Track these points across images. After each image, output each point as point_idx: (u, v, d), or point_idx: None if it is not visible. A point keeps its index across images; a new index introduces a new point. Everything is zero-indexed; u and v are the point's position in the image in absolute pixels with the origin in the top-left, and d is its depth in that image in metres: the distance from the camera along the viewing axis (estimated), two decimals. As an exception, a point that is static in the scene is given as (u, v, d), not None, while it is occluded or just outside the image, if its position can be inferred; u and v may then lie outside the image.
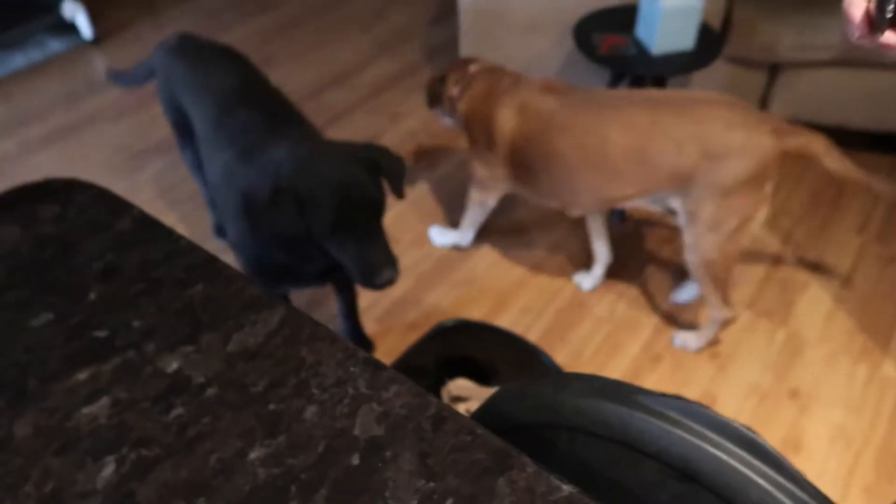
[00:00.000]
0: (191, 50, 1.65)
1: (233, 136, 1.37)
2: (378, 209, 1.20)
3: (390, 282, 1.18)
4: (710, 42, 1.96)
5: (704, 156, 1.43)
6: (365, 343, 1.82)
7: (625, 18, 2.03)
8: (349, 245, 1.17)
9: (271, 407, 0.60)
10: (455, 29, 3.14)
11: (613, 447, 0.60)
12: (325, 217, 1.15)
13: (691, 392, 1.73)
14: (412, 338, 1.85)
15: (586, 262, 2.06)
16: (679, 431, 0.57)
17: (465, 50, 2.33)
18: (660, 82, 2.10)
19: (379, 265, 1.16)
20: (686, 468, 0.57)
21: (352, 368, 0.62)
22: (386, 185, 1.25)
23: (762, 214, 1.54)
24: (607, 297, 1.96)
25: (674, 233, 2.14)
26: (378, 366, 0.62)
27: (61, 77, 2.89)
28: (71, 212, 0.78)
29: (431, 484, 0.53)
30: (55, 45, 3.07)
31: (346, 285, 1.67)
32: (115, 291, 0.70)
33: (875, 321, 1.88)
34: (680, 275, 2.00)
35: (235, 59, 1.63)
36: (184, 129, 1.72)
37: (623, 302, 1.95)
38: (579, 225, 2.18)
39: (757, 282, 1.99)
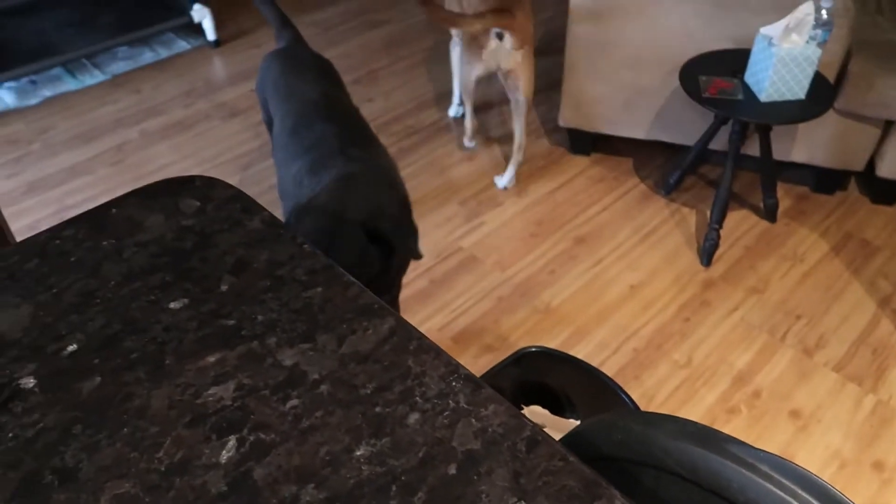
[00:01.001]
0: (290, 57, 1.72)
1: (306, 148, 1.42)
2: (403, 233, 1.28)
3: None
4: (823, 93, 1.92)
5: None
6: None
7: (735, 62, 2.01)
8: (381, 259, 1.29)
9: (378, 409, 0.64)
10: (553, 60, 3.18)
11: (699, 492, 0.62)
12: (350, 245, 1.22)
13: (767, 449, 1.68)
14: (487, 359, 1.89)
15: (666, 305, 2.04)
16: (769, 485, 0.58)
17: (569, 80, 2.36)
18: (765, 130, 2.07)
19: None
20: (773, 523, 0.57)
21: (454, 383, 0.66)
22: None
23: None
24: (687, 343, 1.94)
25: (761, 282, 2.09)
26: (478, 384, 0.66)
27: (183, 75, 3.10)
28: (209, 207, 0.86)
29: (522, 502, 0.57)
30: (181, 44, 3.30)
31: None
32: (244, 285, 0.76)
33: (976, 401, 1.77)
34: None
35: (326, 73, 1.69)
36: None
37: (702, 350, 1.92)
38: (664, 266, 2.16)
39: (849, 344, 1.92)
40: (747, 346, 1.93)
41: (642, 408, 1.77)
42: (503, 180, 2.44)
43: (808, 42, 1.83)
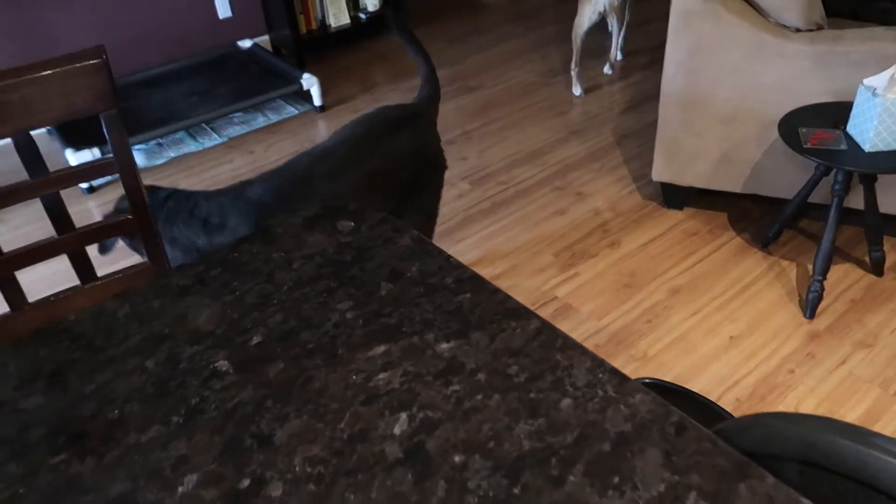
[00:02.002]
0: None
1: None
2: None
3: None
4: (929, 144, 1.91)
5: None
6: None
7: (835, 114, 2.04)
8: None
9: (532, 395, 0.71)
10: (645, 117, 3.26)
11: (845, 483, 0.64)
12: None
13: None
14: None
15: (769, 357, 2.02)
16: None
17: (663, 135, 2.42)
18: (870, 180, 2.06)
19: None
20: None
21: (600, 375, 0.72)
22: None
23: None
24: (793, 395, 1.90)
25: (869, 336, 2.04)
26: (624, 377, 0.72)
27: (292, 136, 3.35)
28: (363, 228, 0.97)
29: (676, 477, 0.61)
30: (290, 109, 3.58)
31: None
32: (400, 290, 0.86)
33: None
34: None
35: (365, 126, 1.89)
36: None
37: (809, 402, 1.87)
38: (765, 318, 2.14)
39: (972, 400, 1.83)
40: (858, 400, 1.87)
41: (749, 458, 1.74)
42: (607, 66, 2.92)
43: (911, 93, 1.84)
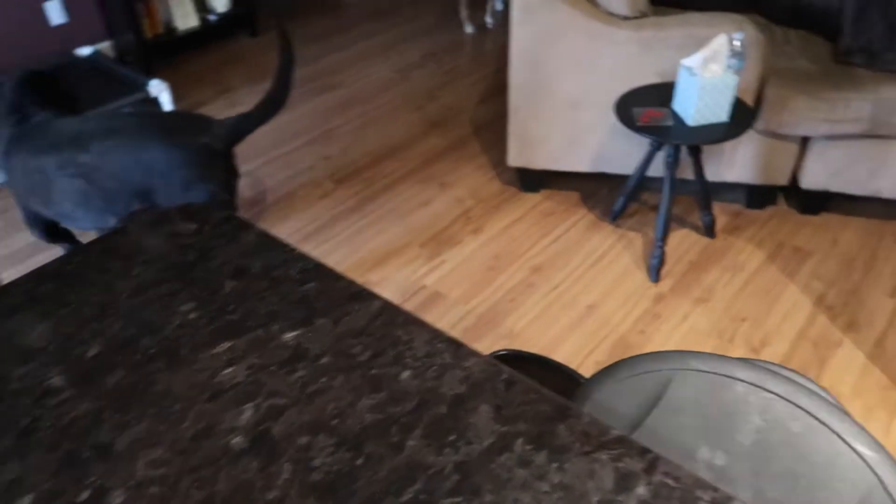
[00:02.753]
0: None
1: None
2: None
3: None
4: (743, 115, 2.14)
5: None
6: None
7: (663, 94, 2.22)
8: None
9: (374, 371, 0.74)
10: (500, 107, 3.40)
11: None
12: None
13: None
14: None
15: (622, 321, 2.18)
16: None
17: (514, 122, 2.54)
18: (696, 152, 2.27)
19: None
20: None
21: (438, 345, 0.77)
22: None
23: None
24: (645, 351, 2.06)
25: (706, 292, 2.25)
26: (459, 343, 0.77)
27: (144, 146, 3.20)
28: (206, 228, 0.97)
29: (505, 427, 0.67)
30: (140, 118, 3.41)
31: None
32: (245, 286, 0.86)
33: (910, 379, 1.94)
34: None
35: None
36: None
37: (671, 342, 2.05)
38: (616, 286, 2.31)
39: (790, 340, 2.08)
40: (699, 349, 2.06)
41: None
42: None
43: (725, 70, 2.05)
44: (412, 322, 0.80)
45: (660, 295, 2.27)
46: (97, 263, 0.92)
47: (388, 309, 0.82)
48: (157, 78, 3.39)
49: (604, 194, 2.74)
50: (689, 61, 2.06)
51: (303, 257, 0.90)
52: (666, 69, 2.27)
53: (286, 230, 2.62)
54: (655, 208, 2.65)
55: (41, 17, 3.57)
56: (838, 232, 2.48)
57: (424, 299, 2.30)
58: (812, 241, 2.45)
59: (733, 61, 2.02)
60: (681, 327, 2.15)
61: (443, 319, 2.22)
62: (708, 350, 2.06)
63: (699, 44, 2.16)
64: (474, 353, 0.75)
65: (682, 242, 2.48)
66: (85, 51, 3.67)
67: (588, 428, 0.66)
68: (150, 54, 3.77)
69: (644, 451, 0.64)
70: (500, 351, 1.34)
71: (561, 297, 2.29)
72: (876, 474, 0.77)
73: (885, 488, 0.76)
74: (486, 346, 2.11)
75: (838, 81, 2.23)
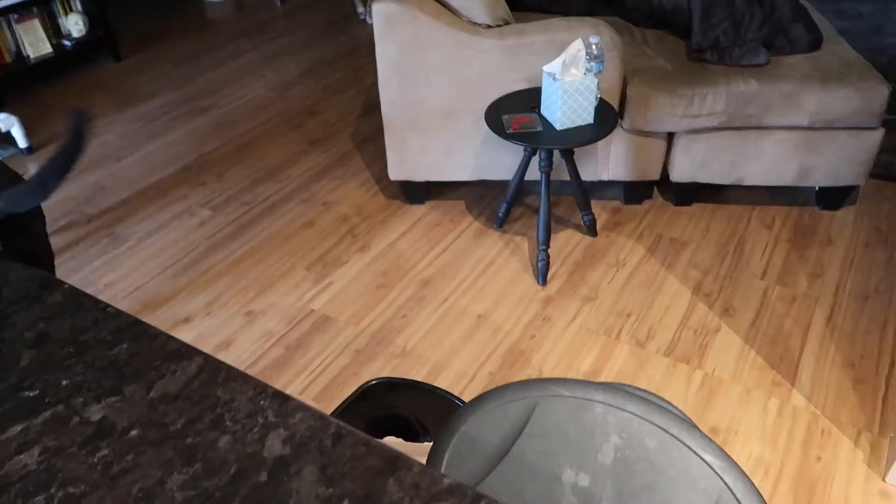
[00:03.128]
0: None
1: None
2: None
3: None
4: (608, 116, 2.18)
5: None
6: None
7: (531, 99, 2.24)
8: None
9: (188, 440, 0.67)
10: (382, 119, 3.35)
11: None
12: None
13: (620, 437, 1.82)
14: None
15: (512, 327, 2.18)
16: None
17: (390, 135, 2.50)
18: (569, 154, 2.30)
19: None
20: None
21: (262, 402, 0.70)
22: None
23: None
24: (536, 357, 2.07)
25: (592, 291, 2.28)
26: (286, 397, 0.71)
27: (-4, 186, 2.94)
28: (5, 291, 0.86)
29: (331, 490, 0.61)
30: (-9, 156, 3.14)
31: None
32: (46, 356, 0.77)
33: (782, 356, 2.03)
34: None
35: None
36: None
37: (551, 360, 2.05)
38: (506, 292, 2.31)
39: (672, 330, 2.13)
40: (589, 349, 2.09)
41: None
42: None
43: (585, 74, 2.08)
44: (235, 378, 0.73)
45: (548, 297, 2.29)
46: None
47: (209, 366, 0.74)
48: (9, 111, 3.13)
49: (489, 200, 2.74)
50: (550, 67, 2.08)
51: (117, 315, 0.81)
52: (532, 75, 2.29)
53: (159, 265, 2.46)
54: (538, 211, 2.67)
55: None
56: (710, 220, 2.59)
57: (313, 324, 2.21)
58: (686, 231, 2.54)
59: (592, 64, 2.06)
60: (570, 328, 2.17)
61: (333, 344, 2.14)
62: (597, 348, 2.08)
63: (560, 48, 2.19)
64: (301, 407, 0.69)
65: (567, 243, 2.51)
66: (-79, 87, 3.35)
67: (419, 479, 0.61)
68: (-1, 86, 3.48)
69: (477, 498, 0.60)
70: (371, 381, 1.29)
71: (452, 308, 2.26)
72: (724, 481, 0.77)
73: (733, 493, 0.76)
74: (378, 366, 2.05)
75: (694, 78, 2.32)
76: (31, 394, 0.73)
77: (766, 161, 2.44)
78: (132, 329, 0.80)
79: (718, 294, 2.26)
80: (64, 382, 0.74)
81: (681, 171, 2.51)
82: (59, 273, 2.44)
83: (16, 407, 0.71)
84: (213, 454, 0.65)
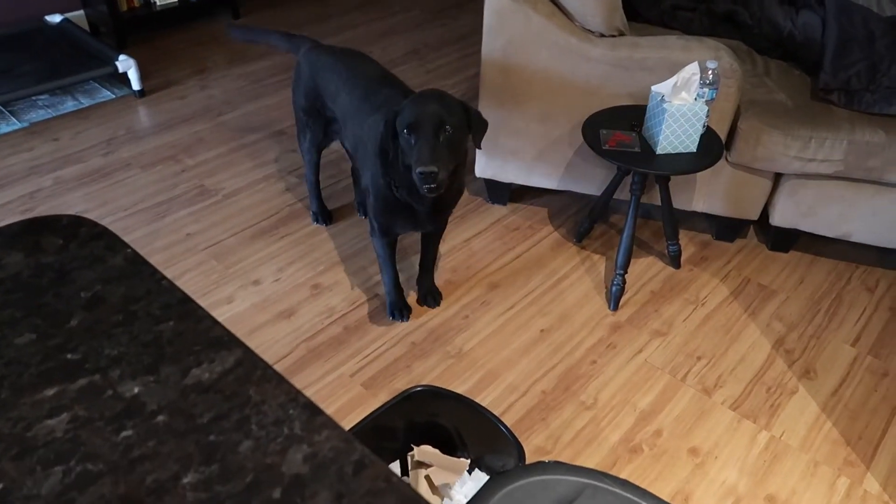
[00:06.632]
0: (333, 51, 2.18)
1: (379, 105, 1.93)
2: (441, 122, 1.63)
3: (426, 175, 1.60)
4: (713, 147, 2.05)
5: None
6: (434, 293, 2.23)
7: (633, 117, 2.13)
8: (412, 141, 1.64)
9: (211, 438, 0.65)
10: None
11: None
12: (405, 119, 1.65)
13: (666, 487, 1.72)
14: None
15: (574, 348, 2.10)
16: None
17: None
18: (664, 180, 2.19)
19: (419, 160, 1.61)
20: None
21: (291, 411, 0.68)
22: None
23: None
24: (593, 385, 1.98)
25: (664, 325, 2.17)
26: (316, 410, 0.68)
27: (105, 123, 3.08)
28: (72, 245, 0.87)
29: (341, 523, 0.58)
30: (105, 93, 3.29)
31: (434, 239, 2.15)
32: (95, 320, 0.77)
33: (861, 435, 1.86)
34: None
35: (367, 57, 2.18)
36: (313, 113, 2.22)
37: (608, 391, 1.97)
38: (574, 311, 2.23)
39: (744, 383, 2.00)
40: (650, 386, 1.99)
41: (548, 450, 1.79)
42: None
43: (696, 99, 1.96)
44: (269, 379, 0.70)
45: (616, 324, 2.19)
46: (-59, 278, 0.82)
47: (247, 360, 0.72)
48: (129, 53, 3.27)
49: (572, 213, 2.65)
50: (659, 87, 1.97)
51: (170, 289, 0.81)
52: (638, 91, 2.18)
53: (240, 223, 2.51)
54: (622, 231, 2.56)
55: (10, -20, 3.43)
56: (806, 272, 2.41)
57: (375, 308, 2.21)
58: (778, 280, 2.37)
59: (705, 90, 1.94)
60: (634, 360, 2.07)
61: (391, 332, 2.13)
62: (659, 386, 1.98)
63: (674, 68, 2.07)
64: (329, 425, 0.66)
65: (647, 271, 2.40)
66: (55, 18, 3.54)
67: (433, 532, 0.57)
68: (124, 28, 3.65)
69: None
70: (416, 387, 1.26)
71: (515, 318, 2.21)
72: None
73: None
74: (432, 363, 2.03)
75: (814, 119, 2.15)
76: (74, 357, 0.73)
77: (881, 220, 2.24)
78: (181, 307, 0.79)
79: (802, 353, 2.11)
80: (106, 351, 0.74)
81: (783, 216, 2.34)
82: (146, 217, 2.54)
83: (57, 368, 0.72)
84: (232, 458, 0.63)
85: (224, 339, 0.75)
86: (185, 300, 0.80)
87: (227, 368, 0.72)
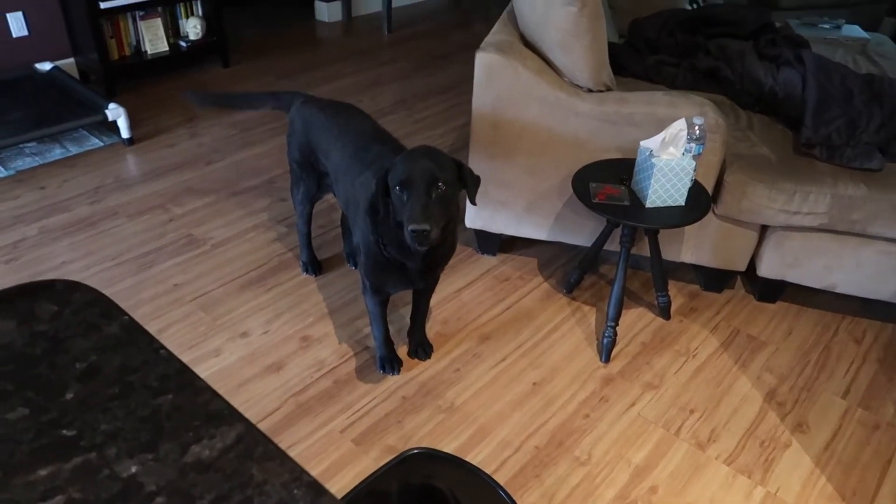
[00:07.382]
0: (326, 105, 2.20)
1: (369, 162, 1.94)
2: (434, 179, 1.62)
3: (418, 233, 1.58)
4: (701, 201, 2.08)
5: None
6: (425, 345, 2.22)
7: (622, 171, 2.16)
8: (404, 198, 1.63)
9: (212, 521, 0.63)
10: (466, 163, 3.33)
11: None
12: (396, 176, 1.63)
13: (664, 547, 1.69)
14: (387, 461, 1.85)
15: (567, 402, 2.08)
16: None
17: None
18: (653, 233, 2.21)
19: (411, 217, 1.59)
20: None
21: (295, 491, 0.66)
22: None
23: None
24: (587, 440, 1.96)
25: (656, 377, 2.17)
26: (320, 490, 0.66)
27: (93, 171, 3.07)
28: (67, 312, 0.85)
29: None
30: (94, 141, 3.29)
31: (426, 295, 2.13)
32: (90, 393, 0.75)
33: (855, 490, 1.85)
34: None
35: (359, 112, 2.18)
36: (307, 166, 2.23)
37: (601, 446, 1.95)
38: (565, 363, 2.21)
39: (738, 437, 1.99)
40: (644, 441, 1.97)
41: (543, 508, 1.76)
42: None
43: (683, 154, 1.99)
44: (272, 457, 0.69)
45: (609, 377, 2.18)
46: (-70, 347, 0.80)
47: (248, 436, 0.70)
48: (119, 101, 3.28)
49: (562, 264, 2.66)
50: (647, 143, 2.01)
51: (168, 359, 0.79)
52: (626, 145, 2.22)
53: (228, 273, 2.49)
54: (613, 282, 2.57)
55: (3, 27, 3.45)
56: (793, 322, 2.43)
57: (365, 362, 2.18)
58: (766, 331, 2.38)
59: (692, 145, 1.97)
60: (627, 414, 2.05)
61: (382, 386, 2.10)
62: (653, 441, 1.96)
63: (661, 123, 2.11)
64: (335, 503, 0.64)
65: (637, 322, 2.40)
66: (45, 66, 3.56)
67: None
68: (114, 76, 3.67)
69: None
70: (412, 449, 1.23)
71: (507, 371, 2.19)
72: None
73: None
74: (423, 418, 2.00)
75: (798, 173, 2.19)
76: (68, 433, 0.71)
77: (865, 272, 2.27)
78: (179, 377, 0.77)
79: (793, 406, 2.10)
80: (102, 427, 0.71)
81: (769, 267, 2.37)
82: (133, 267, 2.51)
83: (50, 445, 0.69)
84: (233, 543, 0.61)
85: (224, 413, 0.73)
86: (183, 370, 0.78)
87: (227, 445, 0.70)
